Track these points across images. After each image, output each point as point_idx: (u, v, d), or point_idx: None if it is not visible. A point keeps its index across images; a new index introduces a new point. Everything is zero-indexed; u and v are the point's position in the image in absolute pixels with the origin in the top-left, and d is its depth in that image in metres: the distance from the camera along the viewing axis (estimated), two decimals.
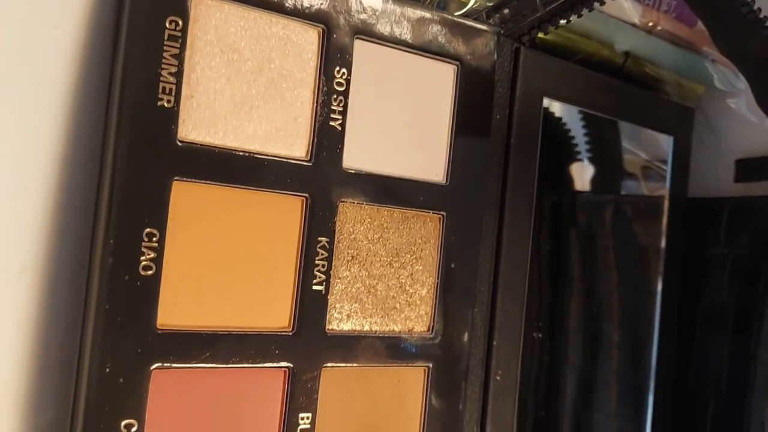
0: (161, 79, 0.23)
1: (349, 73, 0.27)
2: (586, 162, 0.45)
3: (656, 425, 0.43)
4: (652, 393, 0.44)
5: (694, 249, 0.44)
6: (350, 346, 0.27)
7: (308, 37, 0.26)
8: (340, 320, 0.27)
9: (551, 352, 0.39)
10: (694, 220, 0.44)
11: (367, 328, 0.28)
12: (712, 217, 0.43)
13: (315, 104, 0.26)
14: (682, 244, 0.44)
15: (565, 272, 0.42)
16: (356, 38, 0.27)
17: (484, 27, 0.30)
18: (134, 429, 0.23)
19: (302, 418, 0.26)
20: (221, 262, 0.25)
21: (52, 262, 0.24)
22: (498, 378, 0.33)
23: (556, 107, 0.39)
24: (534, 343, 0.37)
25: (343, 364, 0.27)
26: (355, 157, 0.27)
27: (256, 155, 0.25)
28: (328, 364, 0.27)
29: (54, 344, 0.24)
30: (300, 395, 0.26)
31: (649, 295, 0.45)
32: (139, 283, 0.23)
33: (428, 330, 0.29)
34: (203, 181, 0.24)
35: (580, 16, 0.32)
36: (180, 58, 0.23)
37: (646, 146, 0.46)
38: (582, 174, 0.46)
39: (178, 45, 0.23)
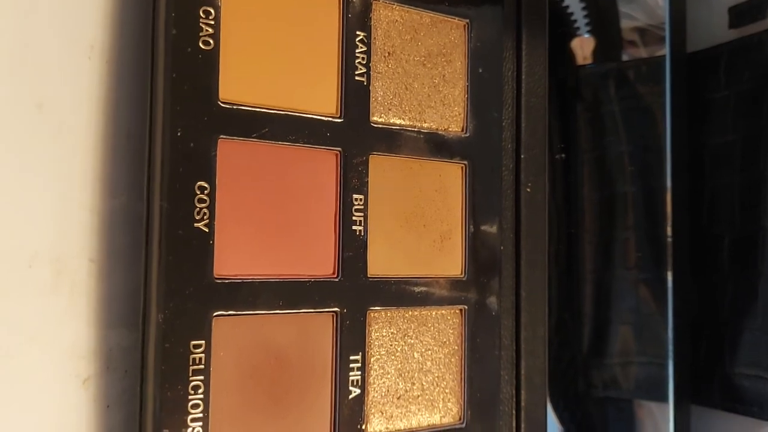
0: None
1: None
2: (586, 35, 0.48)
3: (677, 269, 0.45)
4: (670, 239, 0.46)
5: (697, 98, 0.46)
6: (392, 138, 0.29)
7: None
8: (382, 113, 0.29)
9: (570, 173, 0.41)
10: (694, 72, 0.46)
11: (407, 122, 0.30)
12: (711, 64, 0.45)
13: None
14: (684, 97, 0.46)
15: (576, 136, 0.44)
16: None
17: None
18: (207, 191, 0.25)
19: (356, 199, 0.28)
20: (272, 46, 0.27)
21: (116, 42, 0.25)
22: (528, 190, 0.35)
23: None
24: (557, 165, 0.39)
25: (388, 154, 0.29)
26: None
27: None
28: (375, 153, 0.29)
29: (122, 133, 0.26)
30: (352, 177, 0.28)
31: (660, 151, 0.47)
32: (200, 56, 0.25)
33: (462, 130, 0.31)
34: None
35: None
36: None
37: (643, 9, 0.48)
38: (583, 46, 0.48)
39: None
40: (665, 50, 0.47)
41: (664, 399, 0.45)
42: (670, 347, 0.45)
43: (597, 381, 0.46)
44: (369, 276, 0.28)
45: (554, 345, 0.44)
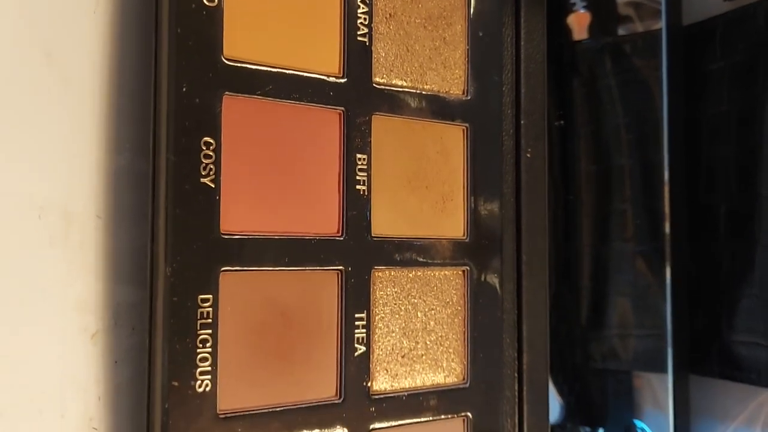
0: None
1: None
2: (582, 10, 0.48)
3: (674, 240, 0.46)
4: (667, 210, 0.46)
5: (693, 70, 0.46)
6: (394, 99, 0.29)
7: None
8: (384, 73, 0.29)
9: (567, 146, 0.42)
10: (690, 45, 0.46)
11: (408, 84, 0.30)
12: (706, 36, 0.46)
13: None
14: (681, 70, 0.47)
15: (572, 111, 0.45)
16: None
17: None
18: (212, 147, 0.25)
19: (359, 159, 0.28)
20: (276, 4, 0.27)
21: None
22: (528, 155, 0.35)
23: None
24: (554, 138, 0.39)
25: (390, 115, 0.29)
26: None
27: None
28: (377, 113, 0.29)
29: (125, 90, 0.26)
30: (355, 137, 0.28)
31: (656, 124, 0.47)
32: (205, 12, 0.25)
33: (463, 93, 0.31)
34: None
35: None
36: None
37: None
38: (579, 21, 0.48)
39: None
40: (661, 24, 0.47)
41: (662, 370, 0.45)
42: (669, 318, 0.45)
43: (596, 353, 0.46)
44: (373, 235, 0.28)
45: (552, 318, 0.44)
